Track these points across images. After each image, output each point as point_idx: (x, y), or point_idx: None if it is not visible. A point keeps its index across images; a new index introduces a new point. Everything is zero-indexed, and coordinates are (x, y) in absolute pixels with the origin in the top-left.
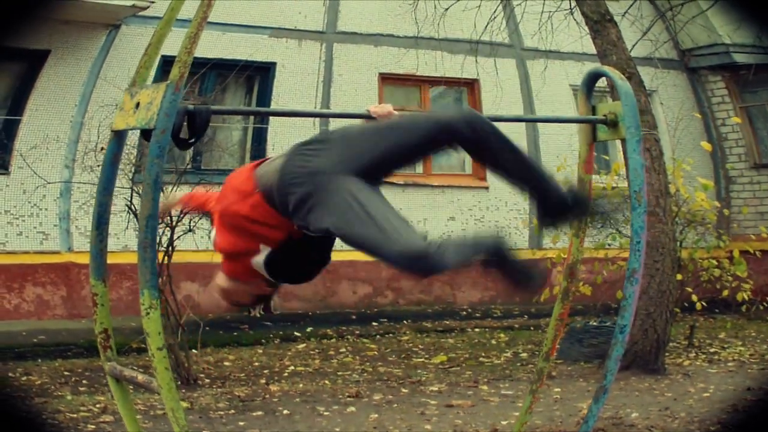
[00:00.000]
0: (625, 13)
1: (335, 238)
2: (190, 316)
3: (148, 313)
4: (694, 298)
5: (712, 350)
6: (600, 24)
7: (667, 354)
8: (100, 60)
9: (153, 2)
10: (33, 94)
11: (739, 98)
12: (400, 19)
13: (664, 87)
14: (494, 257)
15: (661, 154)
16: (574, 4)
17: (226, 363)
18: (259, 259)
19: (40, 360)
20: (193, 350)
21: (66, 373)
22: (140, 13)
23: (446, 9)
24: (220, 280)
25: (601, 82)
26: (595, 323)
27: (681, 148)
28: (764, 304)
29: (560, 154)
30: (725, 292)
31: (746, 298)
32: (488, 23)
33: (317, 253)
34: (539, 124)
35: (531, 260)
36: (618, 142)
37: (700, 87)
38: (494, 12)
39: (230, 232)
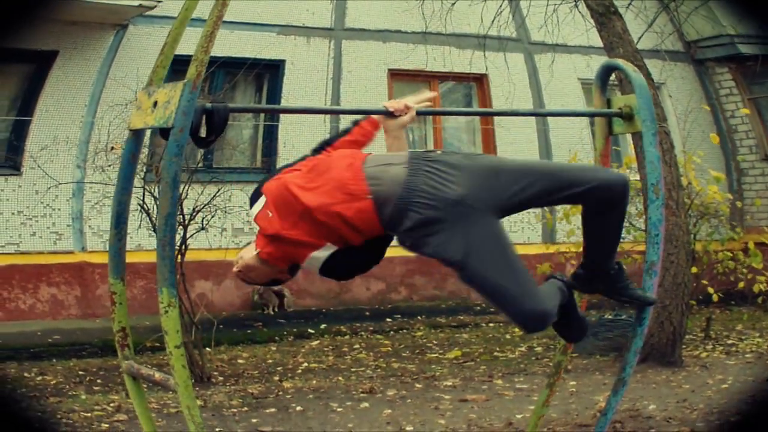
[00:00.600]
0: (629, 5)
1: (390, 241)
2: (203, 314)
3: (166, 311)
4: (710, 290)
5: (729, 342)
6: (605, 17)
7: (683, 346)
8: (109, 60)
9: (160, 2)
10: (42, 95)
11: (746, 90)
12: (407, 14)
13: (672, 79)
14: (564, 310)
15: (672, 146)
16: None
17: (240, 360)
18: (319, 255)
19: (54, 360)
20: (207, 348)
21: (80, 372)
22: (147, 13)
23: (453, 4)
24: (248, 256)
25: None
26: (610, 316)
27: (691, 141)
28: None
29: (571, 148)
30: (741, 284)
31: (762, 289)
32: (495, 18)
33: (373, 254)
34: (549, 118)
35: (584, 314)
36: (628, 135)
37: (707, 79)
38: (500, 6)
39: (311, 225)
